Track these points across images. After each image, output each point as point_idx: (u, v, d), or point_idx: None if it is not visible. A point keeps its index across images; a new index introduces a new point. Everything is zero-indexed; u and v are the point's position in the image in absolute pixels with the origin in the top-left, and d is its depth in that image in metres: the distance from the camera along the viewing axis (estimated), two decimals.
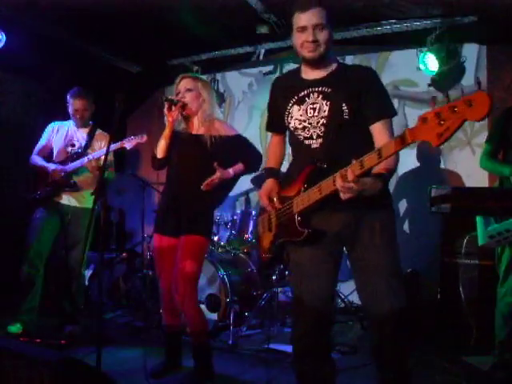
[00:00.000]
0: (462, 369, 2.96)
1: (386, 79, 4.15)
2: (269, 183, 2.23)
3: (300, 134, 2.07)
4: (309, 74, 2.10)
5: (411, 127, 1.60)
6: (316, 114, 2.02)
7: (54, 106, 4.36)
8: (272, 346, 3.38)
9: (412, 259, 3.95)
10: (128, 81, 5.30)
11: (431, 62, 4.26)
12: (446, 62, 4.22)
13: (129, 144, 3.47)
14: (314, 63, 2.04)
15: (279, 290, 3.94)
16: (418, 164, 4.58)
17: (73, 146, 3.75)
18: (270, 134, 2.40)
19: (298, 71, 2.17)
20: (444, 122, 1.49)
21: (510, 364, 2.76)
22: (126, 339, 3.65)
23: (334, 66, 2.08)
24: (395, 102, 4.55)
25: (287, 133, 2.28)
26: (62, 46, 4.53)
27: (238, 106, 5.61)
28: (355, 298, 4.13)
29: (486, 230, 2.61)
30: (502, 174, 2.86)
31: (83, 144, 3.75)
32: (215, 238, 4.31)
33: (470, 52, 4.43)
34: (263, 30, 4.30)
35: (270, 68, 5.33)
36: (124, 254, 5.02)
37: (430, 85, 4.56)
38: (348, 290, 3.98)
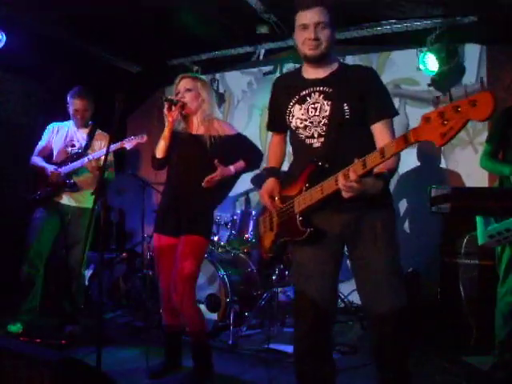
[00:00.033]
0: (462, 369, 2.96)
1: (386, 78, 4.15)
2: (270, 182, 2.23)
3: (301, 133, 2.07)
4: (310, 73, 2.10)
5: (414, 127, 1.60)
6: (317, 113, 2.02)
7: (53, 106, 4.36)
8: (272, 346, 3.38)
9: (412, 259, 3.95)
10: (128, 81, 5.31)
11: (431, 62, 4.26)
12: (446, 62, 4.22)
13: (129, 144, 3.47)
14: (315, 61, 2.05)
15: (279, 289, 3.94)
16: (419, 163, 4.58)
17: (73, 146, 3.75)
18: (270, 133, 2.41)
19: (299, 71, 2.17)
20: (447, 121, 1.49)
21: (510, 364, 2.76)
22: (126, 339, 3.65)
23: (335, 66, 2.09)
24: (396, 101, 4.55)
25: (288, 132, 2.29)
26: (62, 45, 4.53)
27: (238, 105, 5.61)
28: (355, 298, 4.13)
29: (486, 230, 2.61)
30: (502, 174, 2.86)
31: (83, 144, 3.75)
32: (215, 238, 4.30)
33: (470, 52, 4.43)
34: (263, 30, 4.30)
35: (269, 68, 5.33)
36: (124, 254, 5.02)
37: (429, 85, 4.56)
38: (348, 289, 3.98)
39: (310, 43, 1.99)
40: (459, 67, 4.38)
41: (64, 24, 4.34)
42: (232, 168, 2.86)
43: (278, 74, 5.14)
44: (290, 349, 3.20)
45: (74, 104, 3.73)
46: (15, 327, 3.52)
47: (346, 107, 1.98)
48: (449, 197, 2.70)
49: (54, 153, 3.77)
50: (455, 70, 4.35)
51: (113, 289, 4.77)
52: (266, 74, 5.33)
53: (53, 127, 3.84)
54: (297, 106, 2.08)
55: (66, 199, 3.70)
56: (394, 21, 4.31)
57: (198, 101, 2.88)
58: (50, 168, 3.63)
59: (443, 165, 4.57)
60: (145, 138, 3.48)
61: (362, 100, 2.00)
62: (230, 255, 4.25)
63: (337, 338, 3.51)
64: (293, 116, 2.09)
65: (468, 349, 3.15)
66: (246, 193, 5.07)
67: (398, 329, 1.96)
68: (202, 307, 3.73)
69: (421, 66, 4.32)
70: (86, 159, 3.60)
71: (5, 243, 4.26)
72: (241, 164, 2.91)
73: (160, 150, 2.88)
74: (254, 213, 4.31)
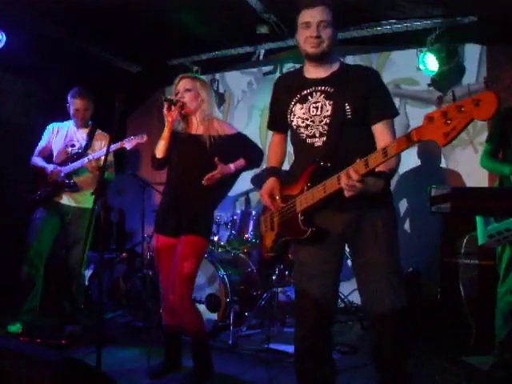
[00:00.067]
0: (462, 369, 2.96)
1: (386, 78, 4.15)
2: (270, 182, 2.23)
3: (302, 133, 2.08)
4: (311, 72, 2.11)
5: (417, 126, 1.60)
6: (319, 112, 2.03)
7: (53, 106, 4.36)
8: (272, 345, 3.38)
9: (412, 259, 3.95)
10: (128, 81, 5.31)
11: (431, 62, 4.26)
12: (446, 62, 4.22)
13: (129, 144, 3.47)
14: (317, 59, 2.05)
15: (279, 289, 3.94)
16: (419, 163, 4.58)
17: (73, 146, 3.75)
18: (270, 133, 2.41)
19: (300, 70, 2.18)
20: (451, 121, 1.50)
21: (510, 364, 2.76)
22: (126, 339, 3.65)
23: (336, 66, 2.10)
24: (396, 101, 4.54)
25: (289, 132, 2.29)
26: (61, 45, 4.53)
27: (238, 105, 5.61)
28: (355, 298, 4.13)
29: (486, 230, 2.62)
30: (502, 173, 2.86)
31: (83, 144, 3.75)
32: (215, 238, 4.30)
33: (471, 52, 4.43)
34: (263, 30, 4.30)
35: (269, 68, 5.32)
36: (124, 254, 5.02)
37: (429, 85, 4.56)
38: (348, 289, 3.98)
39: (312, 41, 1.99)
40: (459, 67, 4.38)
41: (64, 24, 4.34)
42: (232, 166, 2.85)
43: (277, 74, 5.14)
44: (290, 349, 3.20)
45: (74, 104, 3.73)
46: (15, 327, 3.52)
47: (348, 107, 1.99)
48: (449, 197, 2.71)
49: (54, 153, 3.77)
50: (455, 70, 4.35)
51: (113, 289, 4.77)
52: (265, 74, 5.33)
53: (52, 127, 3.84)
54: (298, 105, 2.08)
55: (66, 199, 3.70)
56: (394, 21, 4.31)
57: (197, 101, 2.87)
58: (50, 167, 3.63)
59: (443, 164, 4.57)
60: (145, 137, 3.47)
61: (364, 100, 2.00)
62: (230, 255, 4.25)
63: (337, 338, 3.51)
64: (294, 115, 2.10)
65: (468, 349, 3.15)
66: (246, 193, 5.07)
67: (397, 329, 1.96)
68: (202, 307, 3.73)
69: (421, 66, 4.32)
70: (85, 159, 3.60)
71: (5, 243, 4.26)
72: (241, 162, 2.90)
73: (160, 150, 2.88)
74: (253, 213, 4.31)
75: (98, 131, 3.85)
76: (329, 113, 2.01)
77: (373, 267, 1.98)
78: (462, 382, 2.79)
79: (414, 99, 4.70)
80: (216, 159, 2.75)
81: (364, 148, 1.83)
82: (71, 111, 3.76)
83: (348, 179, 1.76)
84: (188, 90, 2.86)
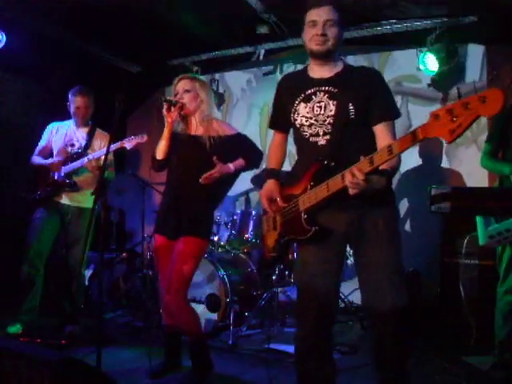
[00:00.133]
0: (462, 369, 2.96)
1: (387, 76, 4.15)
2: (269, 184, 2.24)
3: (306, 131, 2.09)
4: (316, 72, 2.13)
5: (423, 124, 1.61)
6: (322, 111, 2.05)
7: (53, 106, 4.36)
8: (272, 345, 3.38)
9: (413, 259, 3.95)
10: (128, 81, 5.30)
11: (431, 62, 4.26)
12: (446, 62, 4.22)
13: (129, 144, 3.47)
14: (322, 57, 2.07)
15: (279, 289, 3.94)
16: (420, 163, 4.58)
17: (72, 145, 3.75)
18: (271, 132, 2.42)
19: (304, 70, 2.20)
20: (456, 118, 1.51)
21: (510, 364, 2.76)
22: (126, 339, 3.65)
23: (340, 67, 2.12)
24: (398, 99, 4.54)
25: (289, 133, 2.31)
26: (62, 45, 4.53)
27: (237, 104, 5.60)
28: (355, 298, 4.14)
29: (487, 230, 2.61)
30: (502, 173, 2.86)
31: (83, 144, 3.75)
32: (215, 238, 4.30)
33: (474, 51, 4.43)
34: (263, 30, 4.30)
35: (269, 68, 5.32)
36: (124, 254, 5.02)
37: (429, 85, 4.56)
38: (348, 289, 3.98)
39: (318, 39, 2.02)
40: (459, 67, 4.38)
41: (64, 24, 4.34)
42: (231, 166, 2.84)
43: (277, 74, 5.15)
44: (290, 349, 3.20)
45: (75, 102, 3.73)
46: (15, 328, 3.51)
47: (351, 107, 2.01)
48: (449, 196, 2.70)
49: (54, 152, 3.76)
50: (455, 70, 4.35)
51: (113, 289, 4.77)
52: (265, 74, 5.33)
53: (52, 127, 3.85)
54: (302, 104, 2.10)
55: (66, 199, 3.70)
56: (394, 21, 4.31)
57: (196, 101, 2.87)
58: (50, 160, 3.64)
59: (445, 164, 4.56)
60: (145, 137, 3.47)
61: (366, 101, 2.03)
62: (230, 255, 4.25)
63: (337, 338, 3.51)
64: (298, 114, 2.11)
65: (468, 349, 3.15)
66: (246, 193, 5.07)
67: (398, 328, 1.97)
68: (202, 307, 3.73)
69: (421, 66, 4.33)
70: (85, 159, 3.60)
71: (5, 243, 4.27)
72: (240, 162, 2.89)
73: (160, 152, 2.88)
74: (254, 213, 4.31)
75: (98, 130, 3.85)
76: (332, 112, 2.03)
77: (375, 266, 1.99)
78: (462, 382, 2.79)
79: (415, 97, 4.70)
80: (214, 158, 2.74)
81: (366, 148, 1.86)
82: (72, 109, 3.76)
83: (353, 177, 1.77)
84: (187, 91, 2.86)
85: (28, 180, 3.83)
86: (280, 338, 3.60)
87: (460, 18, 4.08)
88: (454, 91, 4.45)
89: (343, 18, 2.07)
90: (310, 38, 2.04)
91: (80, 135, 3.80)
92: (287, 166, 2.52)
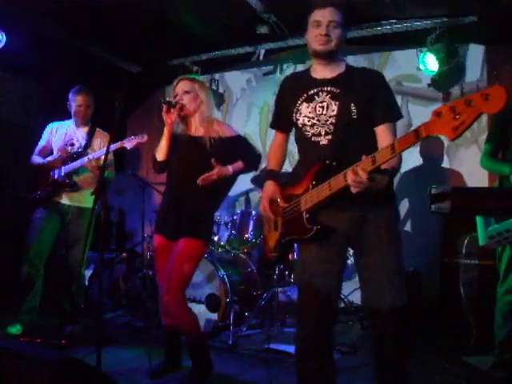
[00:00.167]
0: (462, 369, 2.96)
1: (388, 76, 4.14)
2: (269, 185, 2.25)
3: (308, 131, 2.10)
4: (318, 73, 2.14)
5: (425, 122, 1.61)
6: (325, 111, 2.06)
7: (53, 106, 4.37)
8: (272, 345, 3.38)
9: (413, 259, 3.94)
10: (128, 81, 5.30)
11: (431, 62, 4.26)
12: (446, 62, 4.22)
13: (129, 144, 3.47)
14: (324, 57, 2.09)
15: (279, 289, 3.94)
16: (420, 163, 4.58)
17: (72, 145, 3.75)
18: (270, 132, 2.43)
19: (307, 71, 2.22)
20: (459, 115, 1.51)
21: (510, 364, 2.76)
22: (126, 339, 3.65)
23: (342, 68, 2.14)
24: (398, 99, 4.53)
25: (290, 133, 2.32)
26: (61, 45, 4.53)
27: (237, 103, 5.60)
28: (355, 298, 4.13)
29: (487, 231, 2.61)
30: (502, 173, 2.86)
31: (83, 144, 3.75)
32: (215, 238, 4.30)
33: (474, 51, 4.43)
34: (263, 30, 4.30)
35: (269, 68, 5.32)
36: (124, 254, 5.02)
37: (429, 85, 4.56)
38: (348, 289, 3.97)
39: (321, 38, 2.04)
40: (459, 67, 4.38)
41: (64, 24, 4.34)
42: (230, 168, 2.84)
43: (277, 74, 5.15)
44: (290, 349, 3.20)
45: (76, 100, 3.73)
46: (15, 329, 3.51)
47: (353, 108, 2.02)
48: (449, 196, 2.70)
49: (54, 152, 3.76)
50: (455, 70, 4.35)
51: (113, 289, 4.77)
52: (265, 74, 5.33)
53: (52, 127, 3.85)
54: (304, 104, 2.11)
55: (66, 199, 3.70)
56: (394, 21, 4.31)
57: (196, 102, 2.87)
58: (49, 158, 3.64)
59: (446, 164, 4.55)
60: (145, 137, 3.47)
61: (368, 102, 2.04)
62: (230, 255, 4.25)
63: (337, 338, 3.51)
64: (300, 114, 2.12)
65: (468, 349, 3.15)
66: (246, 193, 5.07)
67: (398, 328, 1.97)
68: (202, 307, 3.74)
69: (421, 66, 4.32)
70: (85, 159, 3.60)
71: (5, 243, 4.26)
72: (239, 165, 2.89)
73: (160, 153, 2.87)
74: (253, 213, 4.31)
75: (98, 130, 3.85)
76: (335, 112, 2.04)
77: (375, 267, 2.00)
78: (462, 382, 2.79)
79: (415, 97, 4.70)
80: (213, 160, 2.74)
81: (367, 148, 1.87)
82: (73, 108, 3.76)
83: (356, 176, 1.77)
84: (187, 92, 2.85)
85: (28, 180, 3.83)
86: (280, 338, 3.59)
87: (460, 18, 4.08)
88: (455, 91, 4.46)
89: (346, 19, 2.09)
90: (314, 38, 2.06)
91: (80, 135, 3.80)
92: (287, 166, 2.52)
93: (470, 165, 4.36)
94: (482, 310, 3.15)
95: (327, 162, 1.99)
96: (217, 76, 5.54)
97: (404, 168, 4.55)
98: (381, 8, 4.06)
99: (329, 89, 2.08)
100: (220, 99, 5.44)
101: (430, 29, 4.23)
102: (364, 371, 2.93)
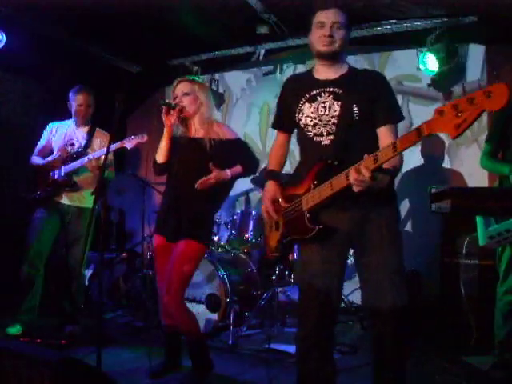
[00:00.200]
0: (462, 369, 2.96)
1: (388, 75, 4.14)
2: (270, 186, 2.26)
3: (310, 131, 2.10)
4: (321, 73, 2.15)
5: (428, 120, 1.62)
6: (327, 112, 2.07)
7: (53, 106, 4.37)
8: (272, 345, 3.38)
9: (413, 259, 3.94)
10: (128, 81, 5.30)
11: (431, 62, 4.26)
12: (446, 62, 4.22)
13: (129, 144, 3.46)
14: (328, 58, 2.09)
15: (279, 289, 3.94)
16: (421, 163, 4.58)
17: (72, 145, 3.75)
18: (270, 132, 2.43)
19: (310, 71, 2.23)
20: (461, 113, 1.52)
21: (510, 364, 2.76)
22: (126, 339, 3.65)
23: (345, 69, 2.14)
24: (399, 98, 4.54)
25: (291, 134, 2.33)
26: (61, 45, 4.53)
27: (237, 103, 5.60)
28: (355, 298, 4.13)
29: (487, 231, 2.61)
30: (502, 173, 2.86)
31: (83, 143, 3.75)
32: (215, 238, 4.30)
33: (470, 52, 4.43)
34: (263, 30, 4.30)
35: (269, 68, 5.32)
36: (124, 254, 5.02)
37: (429, 85, 4.56)
38: (348, 289, 3.97)
39: (325, 39, 2.04)
40: (459, 67, 4.38)
41: (64, 24, 4.34)
42: (228, 172, 2.82)
43: (277, 74, 5.15)
44: (290, 349, 3.20)
45: (77, 100, 3.73)
46: (15, 329, 3.50)
47: (356, 109, 2.03)
48: (449, 196, 2.70)
49: (54, 152, 3.76)
50: (455, 70, 4.35)
51: (113, 289, 4.77)
52: (265, 74, 5.33)
53: (51, 127, 3.85)
54: (307, 105, 2.12)
55: (66, 199, 3.70)
56: (394, 21, 4.31)
57: (196, 104, 2.86)
58: (49, 158, 3.64)
59: (446, 164, 4.55)
60: (145, 137, 3.47)
61: (370, 103, 2.05)
62: (230, 255, 4.25)
63: (337, 338, 3.50)
64: (302, 114, 2.12)
65: (468, 349, 3.15)
66: (246, 193, 5.07)
67: (398, 328, 1.97)
68: (202, 307, 3.73)
69: (421, 66, 4.32)
70: (85, 159, 3.59)
71: (5, 243, 4.26)
72: (238, 169, 2.88)
73: (160, 155, 2.86)
74: (254, 213, 4.31)
75: (98, 130, 3.85)
76: (337, 113, 2.05)
77: (375, 266, 2.00)
78: (462, 382, 2.79)
79: (416, 96, 4.70)
80: (211, 164, 2.74)
81: (369, 148, 1.87)
82: (73, 108, 3.76)
83: (358, 174, 1.78)
84: (186, 94, 2.84)
85: (28, 180, 3.83)
86: (280, 337, 3.60)
87: (460, 18, 4.08)
88: (457, 90, 4.46)
89: (350, 20, 2.09)
90: (318, 38, 2.07)
91: (80, 135, 3.80)
92: (287, 166, 2.52)
93: (470, 165, 4.36)
94: (481, 310, 3.15)
95: (329, 161, 1.99)
96: (217, 76, 5.54)
97: (405, 168, 4.54)
98: (381, 8, 4.06)
99: (331, 89, 2.09)
100: (220, 99, 5.44)
101: (430, 29, 4.23)
102: (364, 371, 2.92)
